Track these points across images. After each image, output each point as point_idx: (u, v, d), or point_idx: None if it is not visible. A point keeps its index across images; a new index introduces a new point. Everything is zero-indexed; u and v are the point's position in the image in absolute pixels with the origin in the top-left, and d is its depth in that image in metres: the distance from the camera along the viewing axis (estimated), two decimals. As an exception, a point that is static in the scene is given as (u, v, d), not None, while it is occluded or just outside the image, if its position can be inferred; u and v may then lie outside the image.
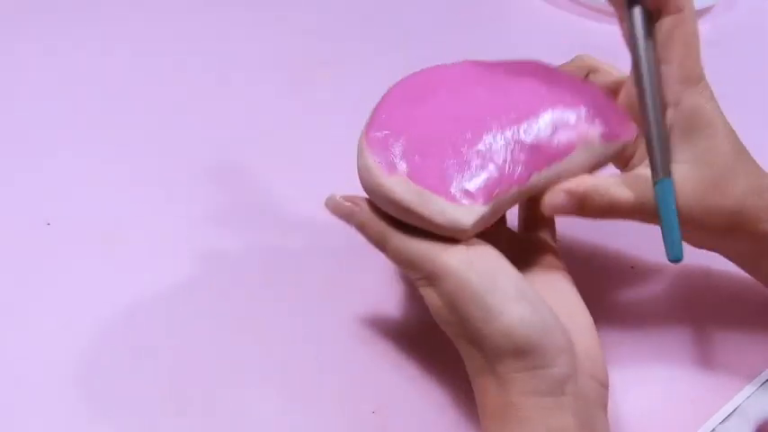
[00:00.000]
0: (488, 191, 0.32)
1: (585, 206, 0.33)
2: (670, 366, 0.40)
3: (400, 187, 0.32)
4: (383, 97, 0.36)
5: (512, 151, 0.33)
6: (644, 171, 0.33)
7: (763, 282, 0.40)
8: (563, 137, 0.34)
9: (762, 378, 0.40)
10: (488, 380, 0.32)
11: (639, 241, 0.42)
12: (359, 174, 0.34)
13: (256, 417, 0.37)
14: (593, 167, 0.35)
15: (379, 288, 0.43)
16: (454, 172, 0.32)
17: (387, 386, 0.39)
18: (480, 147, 0.33)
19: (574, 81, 0.37)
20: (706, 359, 0.40)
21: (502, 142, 0.33)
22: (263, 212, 0.46)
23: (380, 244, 0.34)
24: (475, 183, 0.32)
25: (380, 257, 0.43)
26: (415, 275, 0.33)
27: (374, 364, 0.39)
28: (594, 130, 0.34)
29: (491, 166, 0.32)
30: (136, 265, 0.43)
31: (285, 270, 0.43)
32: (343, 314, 0.41)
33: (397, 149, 0.33)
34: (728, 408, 0.38)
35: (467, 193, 0.32)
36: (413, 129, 0.34)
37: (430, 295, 0.33)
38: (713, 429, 0.38)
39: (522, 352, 0.30)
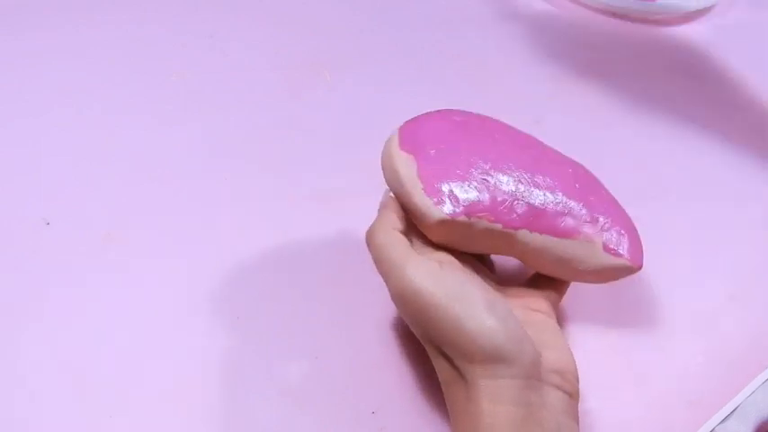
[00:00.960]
0: (470, 209, 0.35)
1: None
2: (669, 365, 0.40)
3: (403, 161, 0.36)
4: (430, 112, 0.39)
5: (515, 199, 0.36)
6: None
7: None
8: (569, 222, 0.37)
9: (762, 378, 0.40)
10: (459, 390, 0.32)
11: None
12: (384, 146, 0.37)
13: (257, 417, 0.37)
14: (592, 270, 0.37)
15: (380, 289, 0.42)
16: (454, 178, 0.35)
17: (387, 387, 0.39)
18: (490, 179, 0.36)
19: (611, 199, 0.40)
20: (705, 359, 0.40)
21: (511, 188, 0.36)
22: (263, 212, 0.46)
23: (369, 236, 0.35)
24: (464, 194, 0.35)
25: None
26: (387, 276, 0.34)
27: (374, 365, 0.39)
28: (600, 237, 0.37)
29: (486, 195, 0.35)
30: (136, 264, 0.43)
31: (284, 270, 0.43)
32: (343, 314, 0.41)
33: (420, 141, 0.36)
34: (728, 408, 0.38)
35: (450, 195, 0.35)
36: (443, 138, 0.37)
37: (401, 305, 0.34)
38: (713, 429, 0.38)
39: (490, 359, 0.31)
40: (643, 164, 0.50)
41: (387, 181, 0.37)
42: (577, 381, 0.34)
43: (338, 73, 0.56)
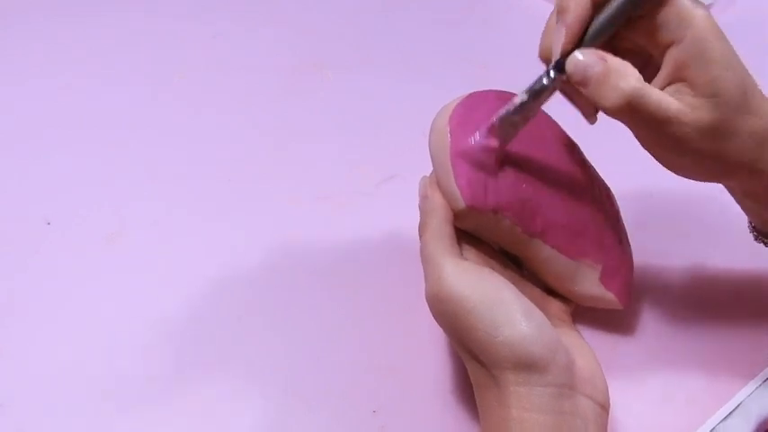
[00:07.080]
0: (499, 205, 0.34)
1: (606, 81, 0.30)
2: (671, 364, 0.40)
3: (444, 151, 0.34)
4: (488, 92, 0.37)
5: (539, 209, 0.35)
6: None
7: None
8: (579, 245, 0.37)
9: (763, 376, 0.40)
10: (491, 393, 0.32)
11: (642, 245, 0.42)
12: (436, 116, 0.36)
13: (258, 416, 0.37)
14: (582, 294, 0.38)
15: (382, 289, 0.42)
16: (488, 175, 0.34)
17: (387, 386, 0.39)
18: (524, 184, 0.35)
19: (623, 231, 0.40)
20: (707, 357, 0.40)
21: (540, 199, 0.35)
22: (265, 212, 0.47)
23: (421, 231, 0.35)
24: (495, 188, 0.34)
25: (379, 260, 0.44)
26: (426, 275, 0.33)
27: (375, 364, 0.39)
28: (599, 267, 0.38)
29: (515, 197, 0.35)
30: (137, 265, 0.43)
31: (286, 270, 0.43)
32: (345, 313, 0.41)
33: (472, 123, 0.34)
34: (730, 406, 0.38)
35: (484, 186, 0.34)
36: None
37: (435, 305, 0.33)
38: (714, 428, 0.38)
39: (524, 366, 0.31)
40: (643, 165, 0.50)
41: (431, 150, 0.35)
42: (607, 390, 0.33)
43: (340, 73, 0.56)
